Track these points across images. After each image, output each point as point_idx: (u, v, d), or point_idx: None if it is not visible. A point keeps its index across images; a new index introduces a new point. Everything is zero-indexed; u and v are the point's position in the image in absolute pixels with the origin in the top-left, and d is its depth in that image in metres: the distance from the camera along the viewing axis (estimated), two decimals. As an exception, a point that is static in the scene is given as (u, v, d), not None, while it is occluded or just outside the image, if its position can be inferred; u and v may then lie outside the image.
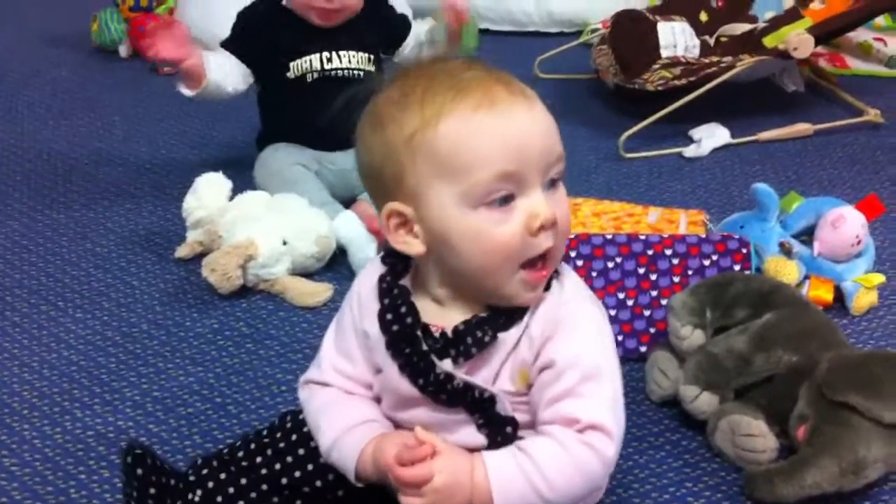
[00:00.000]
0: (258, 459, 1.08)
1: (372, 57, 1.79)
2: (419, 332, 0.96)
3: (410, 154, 0.90)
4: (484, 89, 0.89)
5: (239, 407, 1.34)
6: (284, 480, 1.07)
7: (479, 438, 0.97)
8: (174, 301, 1.57)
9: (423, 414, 0.98)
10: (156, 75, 2.52)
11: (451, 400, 0.96)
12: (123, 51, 2.67)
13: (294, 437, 1.09)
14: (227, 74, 1.74)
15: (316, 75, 1.75)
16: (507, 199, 0.89)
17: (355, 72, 1.76)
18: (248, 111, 2.22)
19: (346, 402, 1.03)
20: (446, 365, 0.95)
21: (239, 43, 1.75)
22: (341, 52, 1.75)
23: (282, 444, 1.09)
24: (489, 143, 0.88)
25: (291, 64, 1.75)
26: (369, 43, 1.78)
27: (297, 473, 1.07)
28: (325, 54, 1.74)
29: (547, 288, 0.96)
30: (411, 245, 0.94)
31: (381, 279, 1.00)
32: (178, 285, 1.59)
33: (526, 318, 0.95)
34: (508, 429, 0.97)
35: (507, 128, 0.88)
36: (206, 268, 1.56)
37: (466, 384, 0.95)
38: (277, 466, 1.07)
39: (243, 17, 1.77)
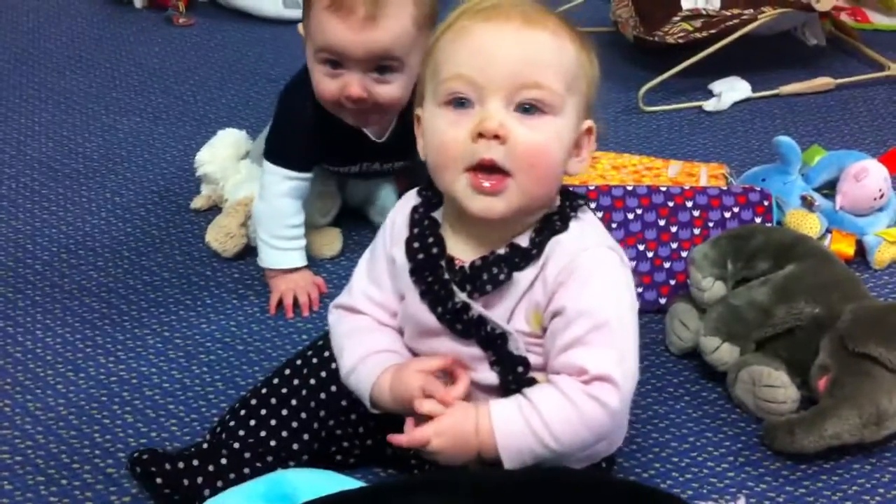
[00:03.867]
0: (295, 382, 1.12)
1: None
2: (442, 263, 0.99)
3: (431, 55, 0.98)
4: (498, 9, 0.95)
5: (260, 354, 1.35)
6: (323, 395, 1.11)
7: (492, 377, 1.00)
8: (194, 250, 1.57)
9: (441, 346, 1.01)
10: (171, 26, 2.50)
11: (466, 332, 0.98)
12: (139, 2, 2.64)
13: (326, 353, 1.12)
14: (301, 210, 1.50)
15: (354, 170, 1.57)
16: (463, 103, 0.94)
17: (394, 168, 1.59)
18: (266, 64, 2.23)
19: (371, 331, 1.06)
20: (464, 295, 0.98)
21: (291, 158, 1.47)
22: (384, 163, 1.55)
23: (314, 360, 1.13)
24: (461, 48, 0.95)
25: (332, 168, 1.58)
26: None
27: (334, 388, 1.10)
28: (369, 164, 1.55)
29: (565, 228, 0.98)
30: (420, 145, 1.01)
31: (415, 209, 1.04)
32: (198, 234, 1.59)
33: (542, 259, 0.97)
34: (520, 368, 0.98)
35: (482, 38, 0.94)
36: (208, 234, 1.55)
37: (481, 317, 0.97)
38: (312, 382, 1.11)
39: (288, 127, 1.48)
